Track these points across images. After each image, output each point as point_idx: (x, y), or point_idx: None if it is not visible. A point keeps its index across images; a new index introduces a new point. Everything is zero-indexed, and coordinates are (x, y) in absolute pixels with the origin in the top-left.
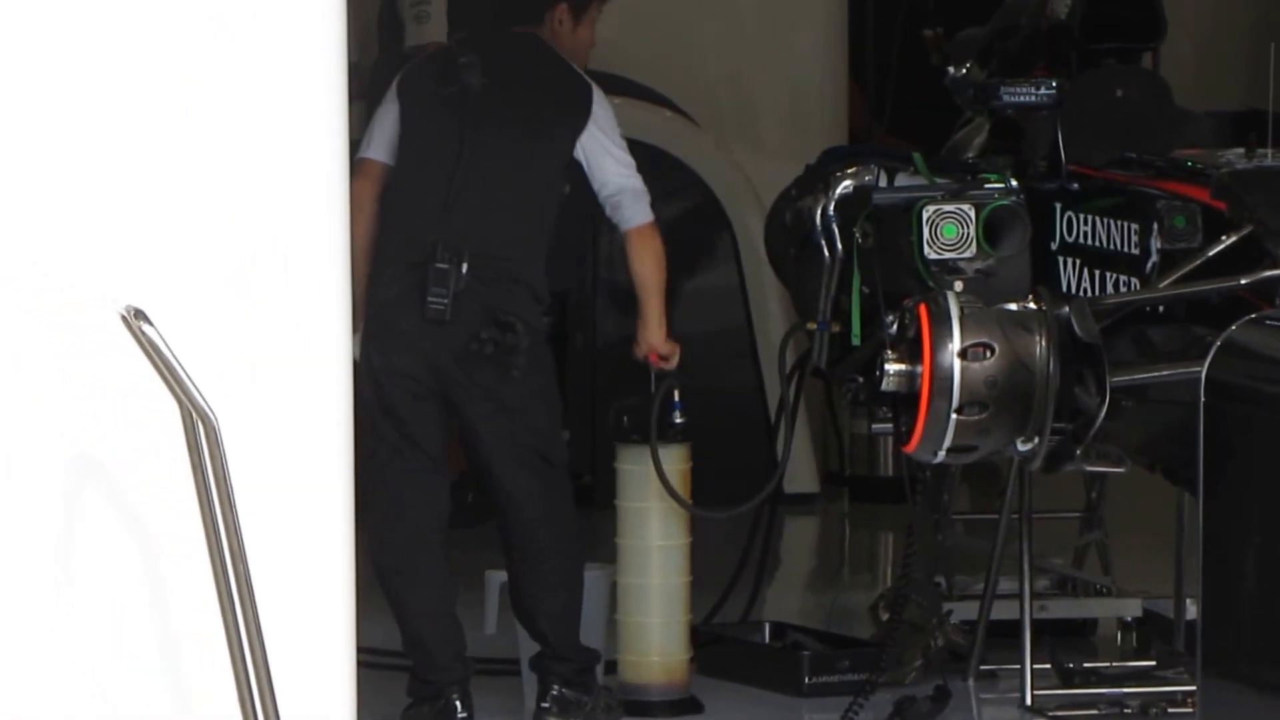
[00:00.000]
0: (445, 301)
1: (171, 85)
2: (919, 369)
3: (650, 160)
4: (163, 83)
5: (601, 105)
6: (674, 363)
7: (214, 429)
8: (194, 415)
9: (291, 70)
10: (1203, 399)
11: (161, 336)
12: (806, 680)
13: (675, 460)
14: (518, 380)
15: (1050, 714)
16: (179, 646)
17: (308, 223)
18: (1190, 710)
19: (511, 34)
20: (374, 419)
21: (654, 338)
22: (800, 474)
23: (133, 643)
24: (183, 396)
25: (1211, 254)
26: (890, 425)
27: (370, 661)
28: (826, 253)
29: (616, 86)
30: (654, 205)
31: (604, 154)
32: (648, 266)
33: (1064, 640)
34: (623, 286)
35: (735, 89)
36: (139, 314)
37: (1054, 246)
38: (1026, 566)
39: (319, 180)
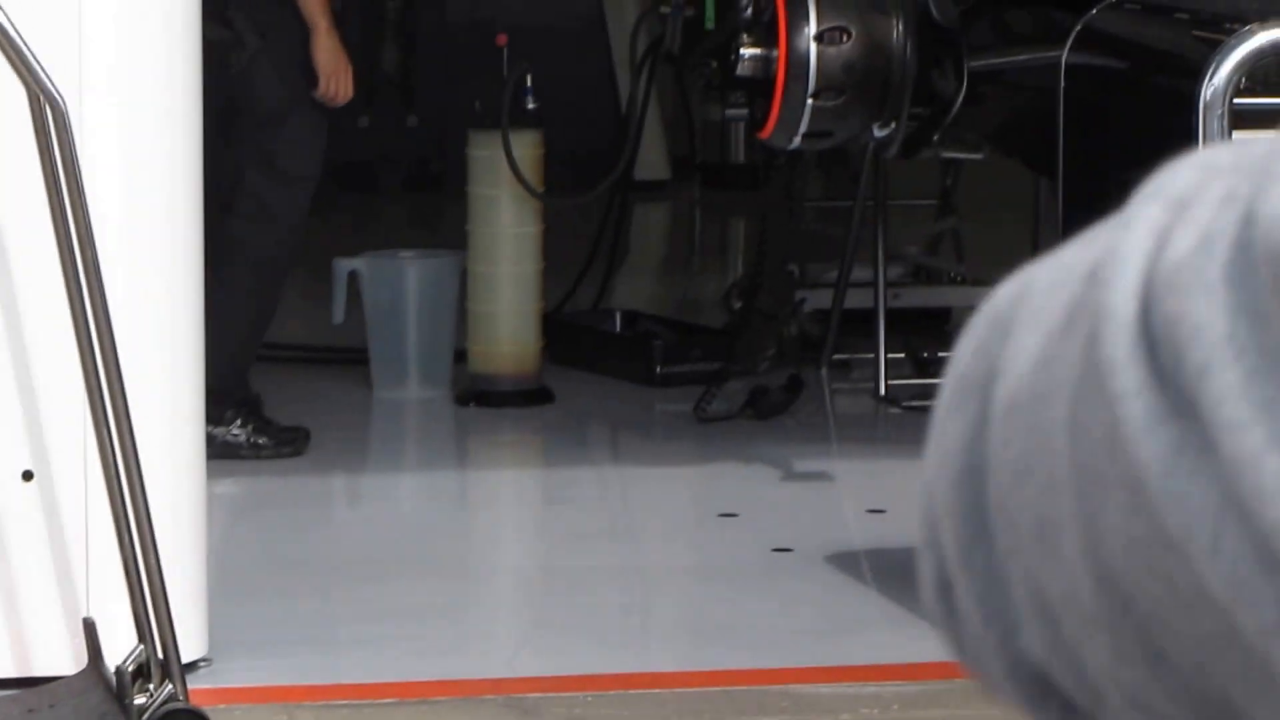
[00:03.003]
0: None
1: None
2: (774, 53)
3: None
4: None
5: None
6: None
7: (63, 114)
8: (41, 100)
9: None
10: (1062, 84)
11: (8, 17)
12: (658, 369)
13: (527, 145)
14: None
15: (904, 404)
16: (22, 326)
17: None
18: None
19: None
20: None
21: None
22: (652, 161)
23: None
24: (30, 80)
25: None
26: (744, 111)
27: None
28: None
29: None
30: None
31: None
32: None
33: (918, 329)
34: None
35: None
36: None
37: None
38: (881, 254)
39: None
